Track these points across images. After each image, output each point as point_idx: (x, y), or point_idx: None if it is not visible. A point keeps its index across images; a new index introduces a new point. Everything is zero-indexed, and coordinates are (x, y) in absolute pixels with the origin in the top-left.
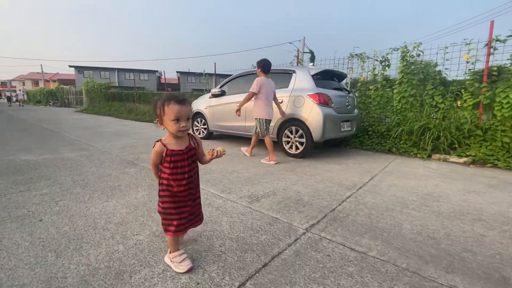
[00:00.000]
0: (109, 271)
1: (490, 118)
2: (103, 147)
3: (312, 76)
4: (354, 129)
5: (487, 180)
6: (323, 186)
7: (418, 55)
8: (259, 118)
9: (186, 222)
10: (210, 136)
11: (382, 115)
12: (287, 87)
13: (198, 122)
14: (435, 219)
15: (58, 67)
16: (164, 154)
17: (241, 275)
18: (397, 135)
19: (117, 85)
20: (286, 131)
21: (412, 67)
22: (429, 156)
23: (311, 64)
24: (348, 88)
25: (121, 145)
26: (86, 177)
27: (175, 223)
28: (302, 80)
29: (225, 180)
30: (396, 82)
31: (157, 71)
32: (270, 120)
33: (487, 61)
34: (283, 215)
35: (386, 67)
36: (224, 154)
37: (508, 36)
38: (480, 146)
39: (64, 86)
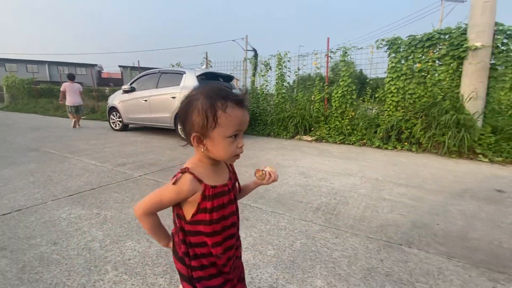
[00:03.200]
0: None
1: (331, 108)
2: (14, 139)
3: (197, 76)
4: None
5: (307, 148)
6: (184, 156)
7: (289, 61)
8: (67, 105)
9: None
10: (125, 128)
11: (267, 108)
12: (179, 84)
13: (114, 116)
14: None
15: None
16: (200, 195)
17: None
18: (271, 122)
19: (48, 79)
20: None
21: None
22: (293, 137)
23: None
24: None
25: (32, 137)
26: None
27: None
28: (189, 80)
29: (110, 155)
30: (275, 82)
31: (96, 65)
32: (72, 105)
33: (327, 67)
34: (132, 170)
35: (269, 69)
36: (277, 178)
37: (337, 49)
38: (323, 128)
39: None
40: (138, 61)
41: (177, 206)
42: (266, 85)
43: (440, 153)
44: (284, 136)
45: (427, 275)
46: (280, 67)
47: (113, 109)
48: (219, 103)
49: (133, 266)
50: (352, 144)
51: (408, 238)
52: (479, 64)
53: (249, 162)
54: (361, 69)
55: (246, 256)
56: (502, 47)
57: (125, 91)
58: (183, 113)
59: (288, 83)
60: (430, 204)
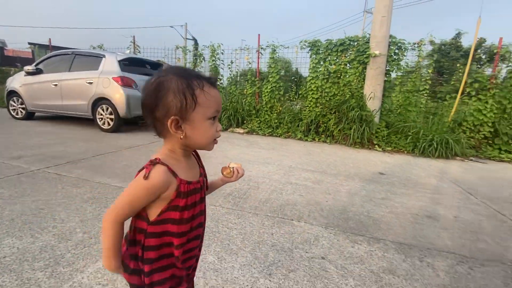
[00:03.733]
0: None
1: (261, 102)
2: None
3: (119, 61)
4: None
5: (237, 140)
6: (97, 148)
7: (222, 53)
8: None
9: None
10: (30, 116)
11: None
12: (97, 69)
13: (14, 102)
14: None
15: None
16: (174, 191)
17: None
18: None
19: None
20: (99, 109)
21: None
22: (226, 129)
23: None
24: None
25: None
26: None
27: None
28: (109, 64)
29: (1, 147)
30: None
31: None
32: None
33: (258, 63)
34: (29, 164)
35: (203, 60)
36: (243, 173)
37: (267, 46)
38: (255, 121)
39: None
40: (50, 38)
41: None
42: None
43: (347, 144)
44: None
45: (305, 242)
46: (214, 58)
47: (14, 93)
48: (195, 82)
49: (8, 263)
50: (279, 136)
51: (300, 214)
52: (377, 69)
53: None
54: (296, 68)
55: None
56: (394, 56)
57: (29, 73)
58: (153, 98)
59: (222, 75)
60: (326, 185)
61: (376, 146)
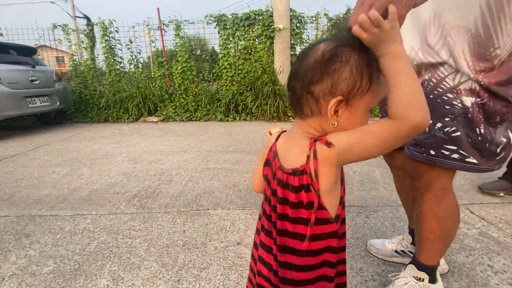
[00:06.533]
0: None
1: (174, 85)
2: None
3: None
4: (58, 103)
5: (149, 131)
6: None
7: (116, 31)
8: None
9: None
10: None
11: (101, 88)
12: None
13: None
14: (14, 169)
15: None
16: None
17: None
18: (108, 105)
19: None
20: None
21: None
22: (137, 119)
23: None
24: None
25: None
26: None
27: None
28: None
29: None
30: (103, 56)
31: None
32: None
33: (162, 41)
34: None
35: (92, 41)
36: None
37: (170, 22)
38: (170, 107)
39: None
40: None
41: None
42: (93, 60)
43: (266, 119)
44: (126, 120)
45: (221, 231)
46: (107, 38)
47: None
48: (376, 62)
49: None
50: (199, 120)
51: (216, 201)
52: (283, 43)
53: (64, 158)
54: (212, 46)
55: (6, 287)
56: (297, 30)
57: None
58: (319, 69)
59: (122, 57)
60: (245, 164)
61: (291, 117)
